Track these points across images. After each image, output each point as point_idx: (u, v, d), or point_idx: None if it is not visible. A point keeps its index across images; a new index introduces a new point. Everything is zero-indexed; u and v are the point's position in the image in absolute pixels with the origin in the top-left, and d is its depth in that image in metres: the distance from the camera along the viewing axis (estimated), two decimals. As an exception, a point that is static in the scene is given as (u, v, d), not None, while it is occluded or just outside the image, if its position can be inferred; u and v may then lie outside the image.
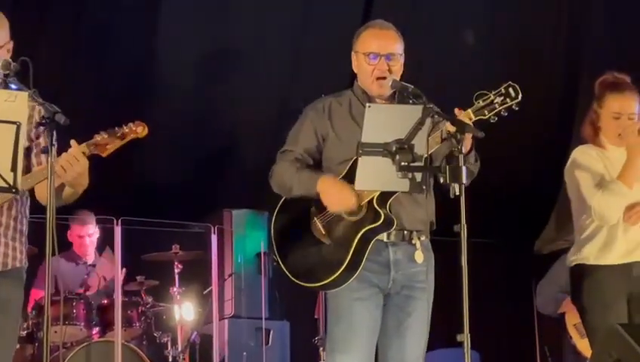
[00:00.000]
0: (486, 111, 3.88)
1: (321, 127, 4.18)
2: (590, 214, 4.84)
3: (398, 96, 4.10)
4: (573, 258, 4.97)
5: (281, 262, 4.12)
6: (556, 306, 6.89)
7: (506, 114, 3.85)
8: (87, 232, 7.67)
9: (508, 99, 3.87)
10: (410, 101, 3.85)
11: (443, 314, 4.41)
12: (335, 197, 3.98)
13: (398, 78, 4.08)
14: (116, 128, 4.01)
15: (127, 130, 4.01)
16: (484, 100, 3.89)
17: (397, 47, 4.14)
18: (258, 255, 8.13)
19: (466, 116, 3.89)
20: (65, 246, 7.62)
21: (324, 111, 4.20)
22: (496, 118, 3.88)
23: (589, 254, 4.90)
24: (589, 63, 8.53)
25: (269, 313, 8.04)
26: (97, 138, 3.98)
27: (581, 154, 4.96)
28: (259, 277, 8.08)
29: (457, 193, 3.59)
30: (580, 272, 4.94)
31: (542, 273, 7.29)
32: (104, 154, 4.01)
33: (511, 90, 3.88)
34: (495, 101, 3.87)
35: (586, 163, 4.91)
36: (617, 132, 4.87)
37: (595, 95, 4.99)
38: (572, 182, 4.96)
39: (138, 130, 4.02)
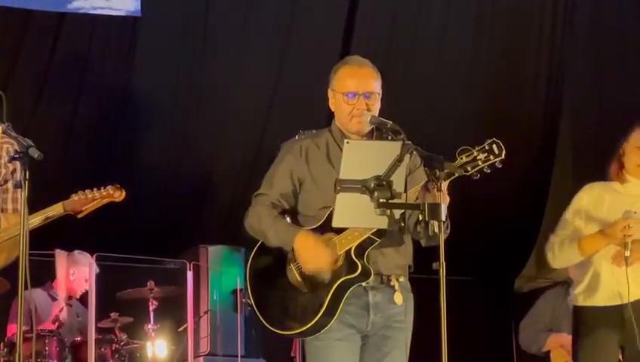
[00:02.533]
0: (469, 168, 3.78)
1: (298, 171, 4.10)
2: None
3: (376, 133, 4.06)
4: (569, 298, 5.06)
5: (255, 308, 4.06)
6: (540, 344, 6.86)
7: (489, 171, 3.79)
8: (85, 277, 7.57)
9: (491, 156, 3.77)
10: (389, 137, 3.81)
11: (422, 354, 4.36)
12: (311, 255, 3.91)
13: (374, 113, 4.04)
14: (94, 190, 4.01)
15: (104, 193, 4.02)
16: (467, 156, 3.79)
17: (375, 84, 4.08)
18: (234, 292, 8.07)
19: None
20: (47, 277, 7.56)
21: (301, 154, 4.12)
22: (479, 175, 3.82)
23: (578, 295, 4.99)
24: (569, 108, 8.63)
25: (245, 351, 7.97)
26: (74, 198, 3.97)
27: (576, 196, 5.05)
28: (235, 315, 8.01)
29: (436, 231, 3.56)
30: (575, 314, 5.04)
31: (522, 311, 7.26)
32: (79, 216, 4.01)
33: (494, 146, 3.78)
34: (478, 157, 3.77)
35: (572, 206, 5.02)
36: (637, 163, 4.93)
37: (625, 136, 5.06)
38: None
39: (115, 194, 4.04)
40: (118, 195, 4.06)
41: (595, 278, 4.91)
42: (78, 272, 7.56)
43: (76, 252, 7.57)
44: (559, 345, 6.60)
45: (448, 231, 3.87)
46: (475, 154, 3.77)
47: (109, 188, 4.05)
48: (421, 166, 3.88)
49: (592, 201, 4.98)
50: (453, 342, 3.55)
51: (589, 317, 4.91)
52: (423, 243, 3.93)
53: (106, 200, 4.04)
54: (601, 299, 4.89)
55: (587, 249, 4.87)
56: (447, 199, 3.70)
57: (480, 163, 3.76)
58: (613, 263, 4.86)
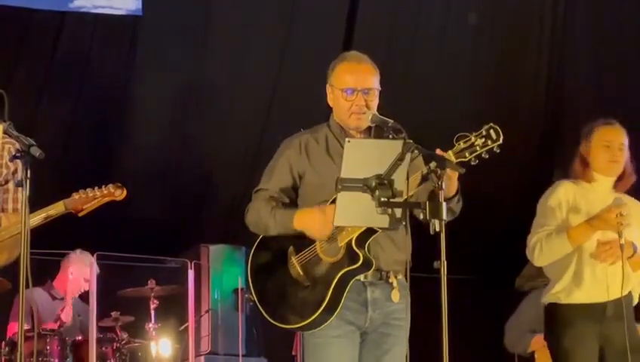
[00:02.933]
0: (467, 153, 3.79)
1: (298, 165, 4.12)
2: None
3: (375, 130, 4.06)
4: (546, 297, 5.01)
5: (258, 303, 4.07)
6: (525, 345, 6.85)
7: (487, 156, 3.80)
8: (85, 276, 7.57)
9: (489, 141, 3.79)
10: (390, 136, 3.81)
11: (422, 352, 4.36)
12: (316, 223, 3.92)
13: (375, 112, 4.05)
14: (95, 189, 4.02)
15: (105, 192, 4.02)
16: (465, 142, 3.80)
17: (373, 80, 4.08)
18: (235, 291, 8.07)
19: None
20: (48, 277, 7.57)
21: (301, 149, 4.13)
22: (477, 161, 3.83)
23: (559, 292, 4.93)
24: (570, 105, 8.62)
25: (246, 350, 7.98)
26: (75, 196, 3.98)
27: (551, 192, 5.03)
28: (236, 314, 8.02)
29: (437, 229, 3.56)
30: (553, 311, 4.97)
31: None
32: (80, 215, 4.01)
33: (492, 131, 3.80)
34: (476, 143, 3.78)
35: (551, 201, 4.99)
36: (608, 159, 4.90)
37: (583, 136, 5.03)
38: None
39: (117, 193, 4.05)
40: (120, 194, 4.07)
41: (577, 275, 4.87)
42: (76, 271, 7.55)
43: (78, 251, 7.58)
44: (543, 345, 6.58)
45: (460, 204, 3.90)
46: (473, 140, 3.79)
47: (110, 186, 4.06)
48: (420, 155, 3.88)
49: (571, 195, 4.95)
50: (454, 341, 3.55)
51: (569, 313, 4.86)
52: None
53: (107, 199, 4.05)
54: (584, 296, 4.85)
55: (577, 238, 4.79)
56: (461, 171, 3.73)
57: (478, 148, 3.78)
58: (597, 259, 4.83)
